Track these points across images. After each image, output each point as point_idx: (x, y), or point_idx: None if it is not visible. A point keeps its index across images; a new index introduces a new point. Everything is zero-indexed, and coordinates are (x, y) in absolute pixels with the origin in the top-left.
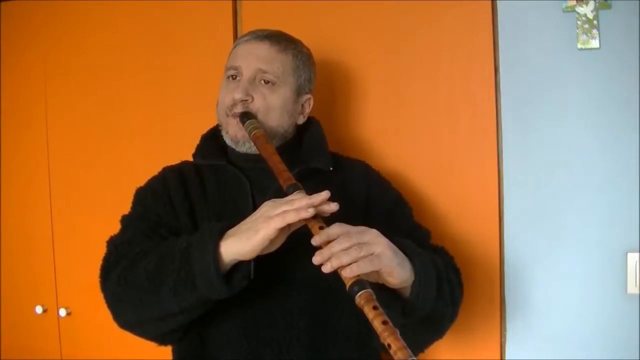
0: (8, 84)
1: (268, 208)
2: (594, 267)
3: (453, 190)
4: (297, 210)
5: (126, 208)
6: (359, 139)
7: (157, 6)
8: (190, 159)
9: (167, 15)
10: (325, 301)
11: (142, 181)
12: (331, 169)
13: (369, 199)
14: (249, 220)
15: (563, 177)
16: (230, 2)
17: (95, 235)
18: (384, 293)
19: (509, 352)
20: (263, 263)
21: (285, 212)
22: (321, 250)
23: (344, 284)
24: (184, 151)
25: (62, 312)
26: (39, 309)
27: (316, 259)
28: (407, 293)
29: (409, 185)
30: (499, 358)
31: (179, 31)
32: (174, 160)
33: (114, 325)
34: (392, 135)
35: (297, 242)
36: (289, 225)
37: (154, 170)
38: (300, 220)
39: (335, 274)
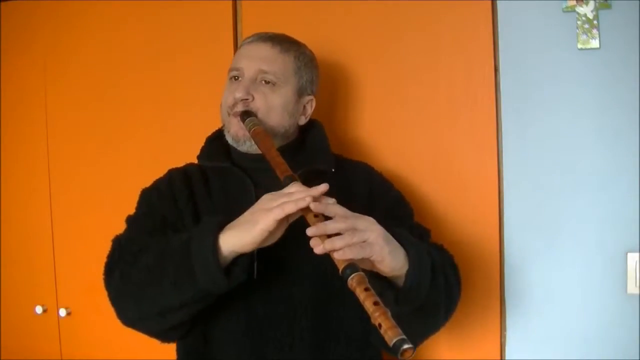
0: (8, 84)
1: (267, 200)
2: (594, 267)
3: (453, 190)
4: (295, 201)
5: (126, 208)
6: (360, 140)
7: (157, 6)
8: (190, 159)
9: (167, 15)
10: (328, 300)
11: (142, 181)
12: (333, 170)
13: (371, 200)
14: (248, 213)
15: (563, 177)
16: (230, 3)
17: (95, 235)
18: (379, 282)
19: (509, 352)
20: (265, 262)
21: (284, 203)
22: (316, 225)
23: (337, 268)
24: (182, 151)
25: (62, 312)
26: (39, 309)
27: (310, 231)
28: (401, 282)
29: (409, 186)
30: (499, 358)
31: (179, 31)
32: (173, 160)
33: (114, 325)
34: (392, 135)
35: (299, 241)
36: (287, 217)
37: (154, 170)
38: (298, 211)
39: (337, 276)
